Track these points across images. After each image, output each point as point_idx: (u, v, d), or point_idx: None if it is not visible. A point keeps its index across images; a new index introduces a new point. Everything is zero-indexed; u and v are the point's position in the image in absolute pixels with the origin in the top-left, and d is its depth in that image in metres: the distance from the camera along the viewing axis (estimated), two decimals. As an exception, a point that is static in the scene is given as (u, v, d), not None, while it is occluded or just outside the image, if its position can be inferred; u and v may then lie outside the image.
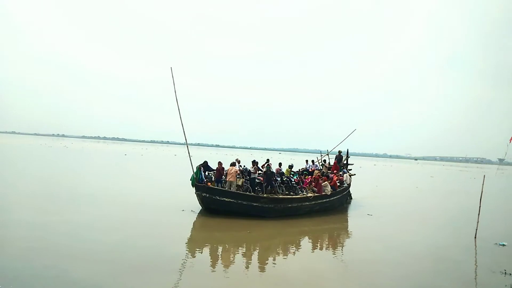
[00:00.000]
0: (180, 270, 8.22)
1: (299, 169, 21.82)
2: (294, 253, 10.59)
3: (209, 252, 10.03)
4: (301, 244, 11.78)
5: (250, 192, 14.23)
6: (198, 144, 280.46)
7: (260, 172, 15.55)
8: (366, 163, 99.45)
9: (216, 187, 13.94)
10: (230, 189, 13.94)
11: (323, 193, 16.14)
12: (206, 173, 14.94)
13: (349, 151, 23.14)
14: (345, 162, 22.04)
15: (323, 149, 24.13)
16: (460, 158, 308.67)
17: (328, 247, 11.90)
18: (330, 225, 15.08)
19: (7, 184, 19.28)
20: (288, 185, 15.56)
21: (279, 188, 14.98)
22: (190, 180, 14.07)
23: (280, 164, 16.42)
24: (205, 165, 15.00)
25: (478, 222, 12.95)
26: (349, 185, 18.87)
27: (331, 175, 17.93)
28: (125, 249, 9.35)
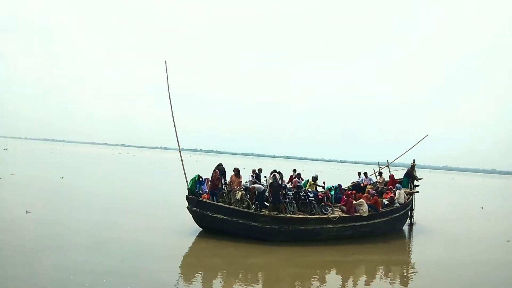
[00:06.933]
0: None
1: (350, 184, 18.25)
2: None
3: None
4: (326, 278, 9.19)
5: (251, 208, 11.48)
6: (287, 157, 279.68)
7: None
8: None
9: (207, 201, 11.56)
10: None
11: (355, 214, 12.45)
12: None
13: (415, 162, 18.55)
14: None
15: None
16: None
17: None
18: (371, 256, 11.52)
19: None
20: (304, 202, 12.32)
21: (289, 205, 11.88)
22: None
23: (298, 175, 13.26)
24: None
25: None
26: (402, 204, 14.55)
27: (371, 191, 14.00)
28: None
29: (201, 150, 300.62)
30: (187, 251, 10.52)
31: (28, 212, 12.78)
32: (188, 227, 12.12)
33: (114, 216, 14.10)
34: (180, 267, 9.14)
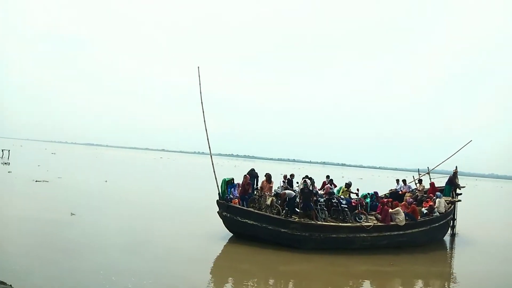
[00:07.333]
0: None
1: (388, 191, 17.62)
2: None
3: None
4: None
5: (282, 214, 11.32)
6: (324, 163, 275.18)
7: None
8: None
9: (237, 206, 11.55)
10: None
11: (391, 223, 11.90)
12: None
13: (457, 169, 17.48)
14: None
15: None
16: None
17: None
18: (410, 267, 10.99)
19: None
20: (337, 209, 11.96)
21: (320, 212, 11.58)
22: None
23: (331, 181, 12.90)
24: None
25: None
26: (442, 214, 13.72)
27: (409, 199, 13.33)
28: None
29: (237, 156, 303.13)
30: (218, 255, 10.59)
31: (73, 214, 13.41)
32: (219, 232, 12.17)
33: (152, 219, 14.45)
34: (211, 271, 9.22)
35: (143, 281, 7.56)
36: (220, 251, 10.88)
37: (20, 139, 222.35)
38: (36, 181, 22.15)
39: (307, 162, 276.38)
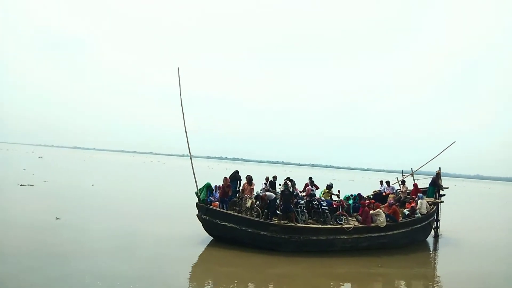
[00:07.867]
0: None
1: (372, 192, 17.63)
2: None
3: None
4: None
5: (261, 216, 11.14)
6: (312, 165, 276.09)
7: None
8: None
9: (216, 209, 11.34)
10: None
11: (372, 225, 11.84)
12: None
13: (441, 170, 17.56)
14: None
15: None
16: None
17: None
18: (393, 268, 10.90)
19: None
20: (317, 211, 11.85)
21: (301, 214, 11.45)
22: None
23: (312, 183, 12.79)
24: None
25: None
26: (424, 215, 13.72)
27: (390, 201, 13.30)
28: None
29: (226, 158, 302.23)
30: (198, 258, 10.35)
31: (58, 218, 13.05)
32: (201, 235, 11.94)
33: (136, 223, 14.07)
34: (191, 274, 9.06)
35: (129, 285, 7.49)
36: (200, 255, 10.63)
37: (6, 143, 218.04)
38: (21, 185, 21.51)
39: (296, 164, 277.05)
